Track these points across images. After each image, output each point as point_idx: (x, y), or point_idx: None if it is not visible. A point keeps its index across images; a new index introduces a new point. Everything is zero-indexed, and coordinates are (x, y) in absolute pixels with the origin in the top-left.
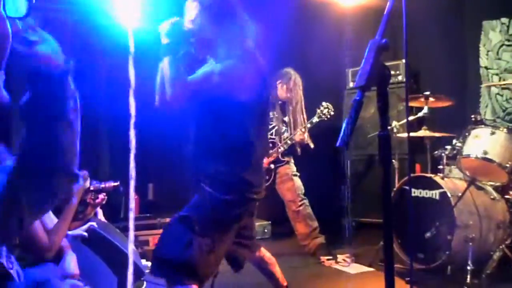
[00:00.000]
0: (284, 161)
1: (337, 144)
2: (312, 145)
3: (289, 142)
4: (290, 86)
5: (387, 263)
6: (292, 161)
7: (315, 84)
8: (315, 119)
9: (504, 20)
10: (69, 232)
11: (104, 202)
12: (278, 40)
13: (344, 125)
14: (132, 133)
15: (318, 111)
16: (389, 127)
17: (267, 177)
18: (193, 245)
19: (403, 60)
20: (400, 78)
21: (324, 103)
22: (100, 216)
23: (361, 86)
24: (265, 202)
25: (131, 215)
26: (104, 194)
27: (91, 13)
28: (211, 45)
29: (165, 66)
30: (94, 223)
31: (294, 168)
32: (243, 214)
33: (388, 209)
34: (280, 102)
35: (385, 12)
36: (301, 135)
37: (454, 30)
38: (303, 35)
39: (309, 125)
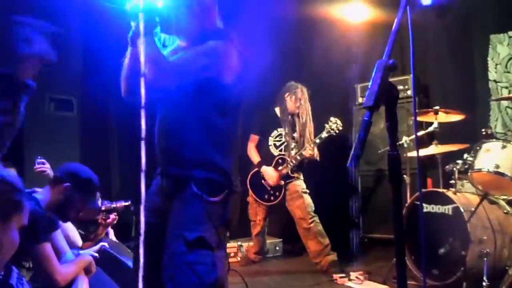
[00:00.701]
0: (293, 177)
1: (348, 164)
2: (318, 159)
3: (298, 158)
4: (298, 96)
5: (400, 284)
6: (302, 177)
7: (324, 99)
8: (324, 134)
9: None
10: (81, 252)
11: (115, 222)
12: (286, 55)
13: (354, 145)
14: (143, 151)
15: (327, 126)
16: (399, 143)
17: (277, 194)
18: (217, 264)
19: (412, 75)
20: (409, 92)
21: (332, 118)
22: (112, 236)
23: (369, 107)
24: (277, 219)
25: (141, 237)
26: (115, 214)
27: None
28: (181, 23)
29: (140, 47)
30: (105, 244)
31: (304, 185)
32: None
33: (400, 229)
34: (289, 117)
35: (392, 32)
36: (311, 150)
37: (462, 44)
38: (311, 50)
39: (318, 141)
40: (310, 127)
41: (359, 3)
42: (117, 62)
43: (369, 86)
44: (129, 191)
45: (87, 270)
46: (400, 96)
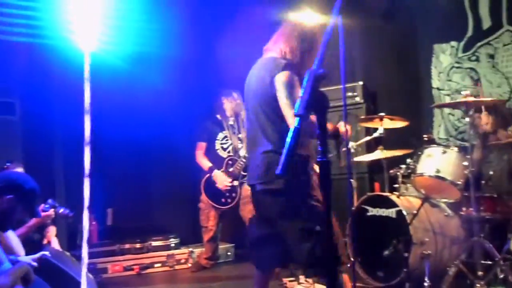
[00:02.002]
0: (245, 175)
1: (277, 172)
2: None
3: (248, 156)
4: (234, 100)
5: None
6: None
7: None
8: None
9: (454, 43)
10: (19, 259)
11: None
12: (225, 63)
13: (284, 154)
14: (87, 159)
15: None
16: (346, 148)
17: (233, 195)
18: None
19: (360, 82)
20: (357, 99)
21: None
22: (55, 244)
23: (299, 115)
24: (229, 224)
25: (84, 245)
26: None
27: (48, 36)
28: None
29: None
30: (47, 252)
31: None
32: None
33: (330, 232)
34: (231, 119)
35: (322, 42)
36: None
37: (408, 53)
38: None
39: None
40: None
41: (307, 9)
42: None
43: (301, 95)
44: (74, 195)
45: (25, 280)
46: (348, 102)
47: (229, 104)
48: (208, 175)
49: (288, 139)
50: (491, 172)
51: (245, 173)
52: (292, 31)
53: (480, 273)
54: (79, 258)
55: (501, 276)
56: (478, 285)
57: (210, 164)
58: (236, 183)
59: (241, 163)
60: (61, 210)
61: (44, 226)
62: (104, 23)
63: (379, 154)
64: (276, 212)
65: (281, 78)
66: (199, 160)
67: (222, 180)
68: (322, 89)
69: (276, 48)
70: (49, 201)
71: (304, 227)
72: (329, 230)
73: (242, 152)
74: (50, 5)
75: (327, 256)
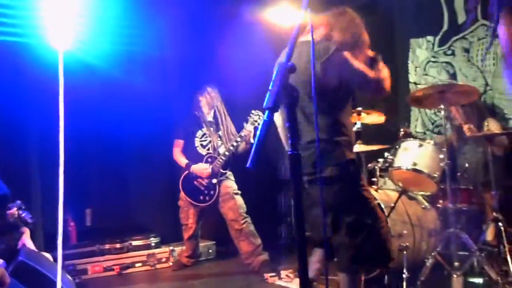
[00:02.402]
0: (225, 173)
1: (247, 165)
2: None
3: (227, 153)
4: (211, 96)
5: (301, 275)
6: (233, 178)
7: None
8: (249, 127)
9: (430, 38)
10: None
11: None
12: (205, 59)
13: (253, 146)
14: (61, 159)
15: (250, 119)
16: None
17: (211, 193)
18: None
19: None
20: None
21: (254, 111)
22: (30, 246)
23: (269, 108)
24: (209, 222)
25: (59, 247)
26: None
27: (22, 34)
28: None
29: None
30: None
31: (235, 186)
32: None
33: (301, 225)
34: (208, 117)
35: (291, 36)
36: (245, 145)
37: (384, 48)
38: (233, 54)
39: (243, 134)
40: (230, 123)
41: (286, 6)
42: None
43: (270, 88)
44: (50, 196)
45: None
46: None
47: (205, 100)
48: (186, 172)
49: (258, 132)
50: (466, 165)
51: (224, 171)
52: (349, 21)
53: (457, 263)
54: (56, 259)
55: (478, 266)
56: (455, 275)
57: (186, 161)
58: (214, 181)
59: (220, 160)
60: (23, 214)
61: (18, 228)
62: (79, 21)
63: (357, 148)
64: (327, 202)
65: (340, 58)
66: (176, 158)
67: (203, 168)
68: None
69: (323, 33)
70: (18, 202)
71: (356, 219)
72: (377, 224)
73: (222, 150)
74: (24, 3)
75: (378, 252)
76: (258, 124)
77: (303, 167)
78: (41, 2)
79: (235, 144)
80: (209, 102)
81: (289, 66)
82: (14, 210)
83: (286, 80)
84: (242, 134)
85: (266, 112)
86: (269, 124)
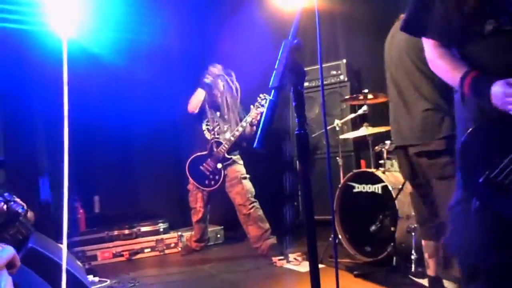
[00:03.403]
0: (230, 158)
1: (255, 145)
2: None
3: (232, 139)
4: (216, 67)
5: (311, 257)
6: (241, 162)
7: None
8: (255, 111)
9: None
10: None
11: None
12: (210, 40)
13: (260, 126)
14: (66, 148)
15: (257, 103)
16: (332, 126)
17: (216, 177)
18: None
19: (344, 60)
20: (342, 77)
21: (261, 95)
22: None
23: (275, 87)
24: (217, 207)
25: (64, 234)
26: None
27: (26, 22)
28: None
29: None
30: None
31: (244, 170)
32: None
33: (309, 205)
34: (217, 99)
35: (296, 14)
36: (251, 128)
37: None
38: (238, 36)
39: (250, 118)
40: (238, 108)
41: None
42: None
43: (276, 67)
44: (58, 183)
45: (10, 265)
46: (333, 81)
47: (214, 69)
48: (194, 156)
49: (264, 112)
50: None
51: (229, 156)
52: None
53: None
54: (67, 246)
55: None
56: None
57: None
58: (219, 165)
59: (226, 146)
60: (14, 206)
61: (16, 219)
62: (83, 9)
63: (365, 131)
64: (433, 175)
65: None
66: (191, 102)
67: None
68: (307, 68)
69: None
70: (5, 194)
71: None
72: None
73: (227, 135)
74: None
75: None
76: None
77: (410, 138)
78: None
79: (240, 129)
80: (217, 73)
81: (295, 44)
82: (1, 204)
83: (292, 58)
84: (248, 118)
85: (272, 91)
86: (276, 103)
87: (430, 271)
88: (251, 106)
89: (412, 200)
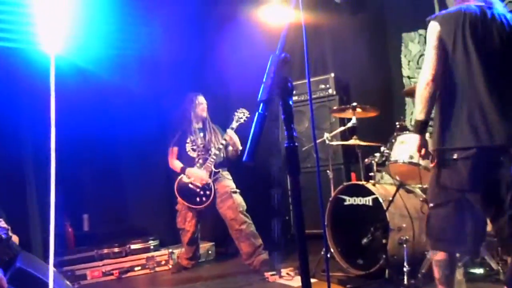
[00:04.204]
0: (218, 172)
1: (244, 159)
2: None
3: (217, 152)
4: (200, 107)
5: (303, 272)
6: (230, 177)
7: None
8: (234, 124)
9: (422, 31)
10: None
11: None
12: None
13: (249, 139)
14: (53, 166)
15: (235, 116)
16: (321, 139)
17: (207, 193)
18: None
19: (332, 74)
20: (330, 91)
21: (239, 109)
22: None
23: (263, 101)
24: (208, 223)
25: (51, 252)
26: None
27: (13, 39)
28: None
29: None
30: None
31: (233, 185)
32: None
33: (300, 218)
34: (197, 126)
35: (284, 28)
36: (230, 138)
37: (377, 43)
38: (230, 52)
39: (229, 131)
40: (216, 128)
41: (277, 4)
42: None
43: (264, 80)
44: (45, 202)
45: None
46: (322, 95)
47: (195, 111)
48: (180, 176)
49: (253, 125)
50: None
51: (217, 170)
52: None
53: (457, 255)
54: (55, 265)
55: (478, 257)
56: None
57: (181, 165)
58: (209, 180)
59: (212, 159)
60: None
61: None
62: (71, 25)
63: (354, 142)
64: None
65: None
66: (172, 165)
67: (198, 173)
68: (295, 82)
69: None
70: None
71: None
72: None
73: (212, 150)
74: (16, 7)
75: None
76: (244, 120)
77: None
78: (33, 7)
79: (224, 142)
80: (199, 114)
81: (283, 58)
82: None
83: (280, 72)
84: (229, 131)
85: (261, 105)
86: (264, 117)
87: None
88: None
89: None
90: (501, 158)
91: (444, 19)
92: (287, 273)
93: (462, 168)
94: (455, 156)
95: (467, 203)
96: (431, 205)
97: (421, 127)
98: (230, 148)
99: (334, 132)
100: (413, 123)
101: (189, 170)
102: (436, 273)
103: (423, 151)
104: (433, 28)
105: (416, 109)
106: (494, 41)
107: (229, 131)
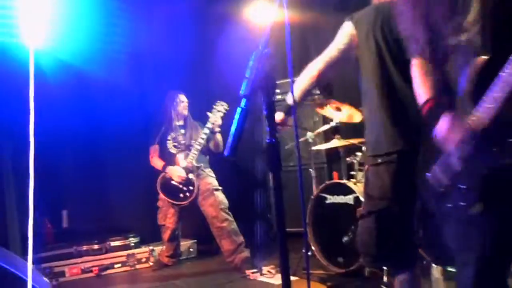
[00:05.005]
0: (200, 166)
1: (225, 153)
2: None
3: (198, 147)
4: (182, 106)
5: (283, 271)
6: (213, 175)
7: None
8: (213, 117)
9: None
10: None
11: None
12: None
13: (231, 134)
14: (31, 161)
15: (214, 110)
16: (304, 138)
17: (190, 188)
18: None
19: None
20: (313, 91)
21: (218, 102)
22: None
23: (246, 95)
24: (190, 221)
25: (30, 248)
26: None
27: None
28: None
29: None
30: None
31: (216, 182)
32: None
33: (281, 214)
34: (178, 123)
35: (267, 25)
36: (214, 125)
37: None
38: (215, 49)
39: (209, 125)
40: (196, 124)
41: (264, 3)
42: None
43: (247, 75)
44: (24, 198)
45: None
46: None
47: (176, 110)
48: (162, 174)
49: (235, 120)
50: None
51: (198, 165)
52: None
53: None
54: (33, 262)
55: None
56: (434, 265)
57: (163, 163)
58: (191, 175)
59: (194, 154)
60: None
61: None
62: (54, 20)
63: (336, 143)
64: None
65: None
66: (153, 163)
67: (177, 170)
68: (278, 82)
69: None
70: None
71: None
72: None
73: (194, 146)
74: None
75: None
76: (222, 113)
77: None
78: (13, 1)
79: (204, 136)
80: (180, 112)
81: (267, 53)
82: None
83: (263, 67)
84: (208, 125)
85: (243, 100)
86: (246, 112)
87: None
88: (208, 113)
89: None
90: (416, 161)
91: (359, 20)
92: (268, 271)
93: (384, 173)
94: (379, 161)
95: (391, 211)
96: (358, 216)
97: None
98: (211, 143)
99: (316, 131)
100: None
101: (169, 168)
102: None
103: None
104: (346, 28)
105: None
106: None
107: (211, 116)
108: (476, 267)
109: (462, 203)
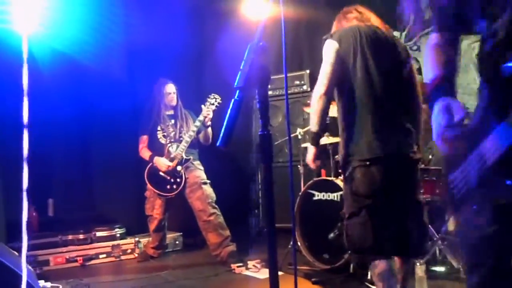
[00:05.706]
0: (189, 159)
1: (218, 144)
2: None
3: (188, 139)
4: (172, 94)
5: (270, 265)
6: (202, 168)
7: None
8: (206, 110)
9: (396, 33)
10: None
11: None
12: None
13: (224, 125)
14: (25, 148)
15: (207, 103)
16: (294, 134)
17: (178, 180)
18: None
19: (307, 71)
20: (305, 87)
21: (211, 95)
22: None
23: (240, 87)
24: (176, 213)
25: (24, 236)
26: None
27: None
28: None
29: None
30: None
31: (204, 176)
32: None
33: (271, 207)
34: (168, 113)
35: (262, 19)
36: (206, 115)
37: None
38: (214, 45)
39: (201, 118)
40: (188, 115)
41: None
42: None
43: (241, 68)
44: (11, 184)
45: None
46: (296, 90)
47: (167, 97)
48: (150, 164)
49: (229, 111)
50: (430, 157)
51: (187, 157)
52: None
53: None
54: (18, 250)
55: (440, 255)
56: (418, 264)
57: (150, 153)
58: (179, 168)
59: (183, 147)
60: None
61: None
62: (47, 7)
63: (325, 140)
64: None
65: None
66: (141, 154)
67: (163, 162)
68: (271, 77)
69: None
70: None
71: None
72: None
73: (184, 137)
74: None
75: None
76: (215, 106)
77: None
78: None
79: (195, 129)
80: (168, 102)
81: (261, 46)
82: None
83: (258, 60)
84: (201, 117)
85: (237, 91)
86: (240, 103)
87: None
88: (202, 106)
89: None
90: (403, 164)
91: (341, 36)
92: (254, 265)
93: (374, 173)
94: (367, 163)
95: (380, 206)
96: (347, 216)
97: (317, 139)
98: (201, 134)
99: (306, 128)
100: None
101: (156, 159)
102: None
103: (317, 162)
104: (331, 46)
105: (311, 122)
106: (389, 55)
107: (204, 109)
108: (483, 275)
109: (474, 223)
